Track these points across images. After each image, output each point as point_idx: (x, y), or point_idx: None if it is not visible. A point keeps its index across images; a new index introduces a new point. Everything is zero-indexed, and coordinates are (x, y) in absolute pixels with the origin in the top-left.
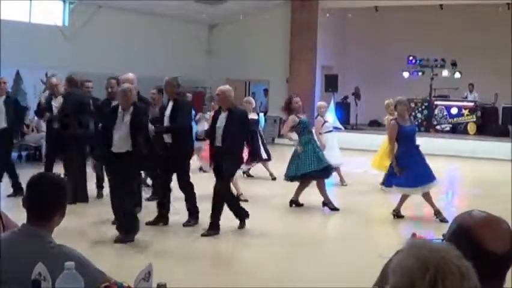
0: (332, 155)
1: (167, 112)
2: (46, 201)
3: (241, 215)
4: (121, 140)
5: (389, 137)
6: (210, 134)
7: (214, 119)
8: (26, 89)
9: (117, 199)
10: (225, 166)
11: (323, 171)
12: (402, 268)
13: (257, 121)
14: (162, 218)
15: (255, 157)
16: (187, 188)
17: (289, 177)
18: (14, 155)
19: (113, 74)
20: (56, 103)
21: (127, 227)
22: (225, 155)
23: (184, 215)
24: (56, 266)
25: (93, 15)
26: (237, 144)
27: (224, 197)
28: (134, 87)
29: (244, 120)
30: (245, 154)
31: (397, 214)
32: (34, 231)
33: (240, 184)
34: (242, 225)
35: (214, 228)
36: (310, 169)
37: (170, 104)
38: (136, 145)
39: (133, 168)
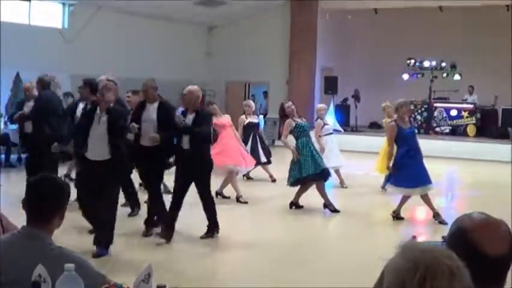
0: (332, 157)
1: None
2: (46, 203)
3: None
4: (97, 146)
5: (388, 138)
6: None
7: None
8: None
9: (96, 209)
10: (197, 170)
11: (320, 174)
12: (393, 269)
13: (257, 124)
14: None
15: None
16: (210, 200)
17: (293, 181)
18: (13, 157)
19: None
20: (28, 107)
21: (102, 239)
22: (194, 158)
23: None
24: (56, 268)
25: (92, 17)
26: (206, 147)
27: (211, 200)
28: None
29: (210, 122)
30: (245, 156)
31: (397, 216)
32: (34, 233)
33: (240, 186)
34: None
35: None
36: (308, 172)
37: (153, 107)
38: (115, 152)
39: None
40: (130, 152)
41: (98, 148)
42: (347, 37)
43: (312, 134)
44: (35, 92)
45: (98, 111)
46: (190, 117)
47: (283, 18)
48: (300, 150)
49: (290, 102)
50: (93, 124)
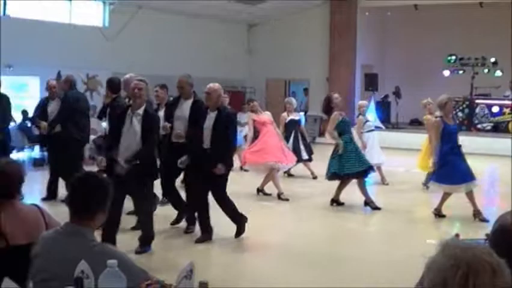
0: (374, 154)
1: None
2: (90, 201)
3: (207, 228)
4: (129, 149)
5: (434, 134)
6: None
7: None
8: None
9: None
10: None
11: (361, 172)
12: (434, 267)
13: (298, 121)
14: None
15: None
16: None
17: (331, 175)
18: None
19: (154, 75)
20: (51, 106)
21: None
22: (215, 158)
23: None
24: (98, 264)
25: (133, 16)
26: (227, 147)
27: (225, 202)
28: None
29: (234, 121)
30: (286, 153)
31: (438, 213)
32: (77, 229)
33: (281, 183)
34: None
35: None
36: (353, 170)
37: (186, 104)
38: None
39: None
40: (160, 148)
41: (129, 150)
42: (387, 34)
43: (353, 130)
44: (59, 91)
45: (129, 112)
46: (212, 116)
47: (323, 15)
48: (343, 146)
49: (337, 94)
50: (124, 125)
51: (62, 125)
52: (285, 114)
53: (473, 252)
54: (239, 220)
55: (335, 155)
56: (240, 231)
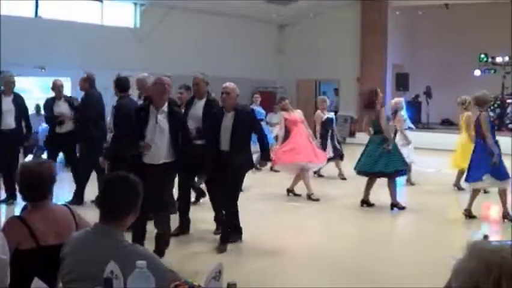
0: (404, 154)
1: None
2: (121, 202)
3: (227, 236)
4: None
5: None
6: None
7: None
8: (99, 90)
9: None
10: (235, 173)
11: (391, 173)
12: (465, 270)
13: (332, 120)
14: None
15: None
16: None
17: (360, 171)
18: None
19: (184, 75)
20: (59, 107)
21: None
22: (235, 160)
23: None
24: (128, 265)
25: (164, 16)
26: (248, 148)
27: (233, 209)
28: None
29: (256, 117)
30: (317, 153)
31: (469, 214)
32: (107, 230)
33: (312, 184)
34: (223, 248)
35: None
36: (396, 167)
37: (199, 104)
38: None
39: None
40: None
41: (162, 148)
42: (418, 33)
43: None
44: (65, 91)
45: (153, 110)
46: (229, 116)
47: (353, 15)
48: (378, 145)
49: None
50: (148, 124)
51: (81, 123)
52: (320, 112)
53: (501, 255)
54: (234, 226)
55: (373, 152)
56: (226, 238)
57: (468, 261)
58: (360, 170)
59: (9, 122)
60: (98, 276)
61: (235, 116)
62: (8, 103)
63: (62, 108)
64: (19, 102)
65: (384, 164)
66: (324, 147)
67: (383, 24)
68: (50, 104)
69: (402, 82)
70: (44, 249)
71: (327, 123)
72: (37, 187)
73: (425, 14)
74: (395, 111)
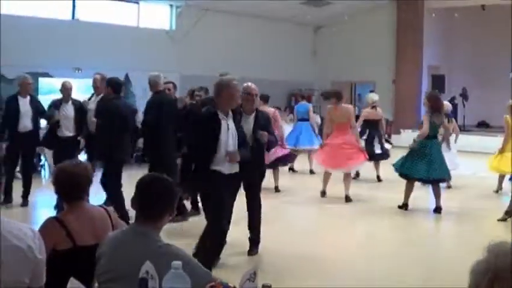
0: (449, 158)
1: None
2: (157, 203)
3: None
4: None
5: None
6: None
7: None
8: (135, 91)
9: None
10: (257, 178)
11: (430, 180)
12: (473, 271)
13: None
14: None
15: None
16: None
17: (401, 173)
18: None
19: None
20: (65, 109)
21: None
22: (258, 163)
23: None
24: (163, 265)
25: (200, 18)
26: (263, 152)
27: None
28: None
29: (270, 122)
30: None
31: (510, 216)
32: (142, 230)
33: (349, 185)
34: (253, 252)
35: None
36: (439, 175)
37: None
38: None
39: None
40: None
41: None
42: (454, 35)
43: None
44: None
45: (223, 116)
46: (249, 120)
47: (389, 17)
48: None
49: None
50: (221, 131)
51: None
52: (370, 109)
53: (504, 260)
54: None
55: (418, 157)
56: (255, 246)
57: (478, 263)
58: (417, 177)
59: (26, 124)
60: (134, 276)
61: (255, 118)
62: (25, 105)
63: (68, 111)
64: (35, 104)
65: (438, 169)
66: (382, 145)
67: (418, 25)
68: (56, 105)
69: (438, 84)
70: (80, 249)
71: (375, 122)
72: (73, 188)
73: (461, 15)
74: (447, 116)
